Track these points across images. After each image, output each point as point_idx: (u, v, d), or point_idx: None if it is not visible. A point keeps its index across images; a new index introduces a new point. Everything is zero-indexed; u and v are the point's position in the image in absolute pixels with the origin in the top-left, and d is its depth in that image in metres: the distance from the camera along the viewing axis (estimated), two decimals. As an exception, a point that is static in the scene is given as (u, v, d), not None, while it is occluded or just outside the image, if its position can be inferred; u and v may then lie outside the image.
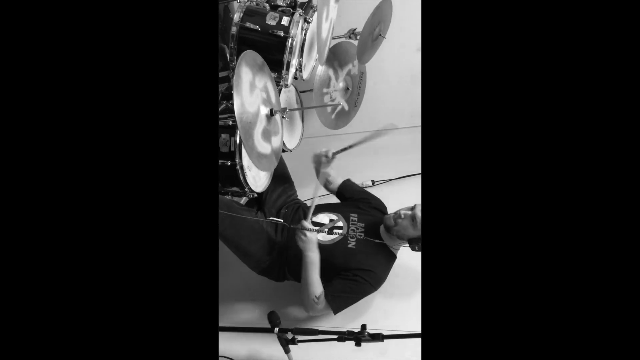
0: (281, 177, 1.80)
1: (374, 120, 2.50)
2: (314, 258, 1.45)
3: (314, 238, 1.45)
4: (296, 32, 1.41)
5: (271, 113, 1.15)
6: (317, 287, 1.45)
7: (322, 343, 1.39)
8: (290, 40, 1.38)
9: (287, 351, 1.35)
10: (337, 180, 1.81)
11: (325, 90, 2.05)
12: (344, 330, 1.35)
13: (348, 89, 2.14)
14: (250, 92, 1.08)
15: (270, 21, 1.37)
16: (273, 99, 1.20)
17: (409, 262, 1.67)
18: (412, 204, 1.52)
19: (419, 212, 1.47)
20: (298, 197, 1.86)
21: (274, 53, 1.39)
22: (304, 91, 2.11)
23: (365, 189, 1.97)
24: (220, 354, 1.45)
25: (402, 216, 1.50)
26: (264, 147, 1.15)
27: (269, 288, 1.74)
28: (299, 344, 1.31)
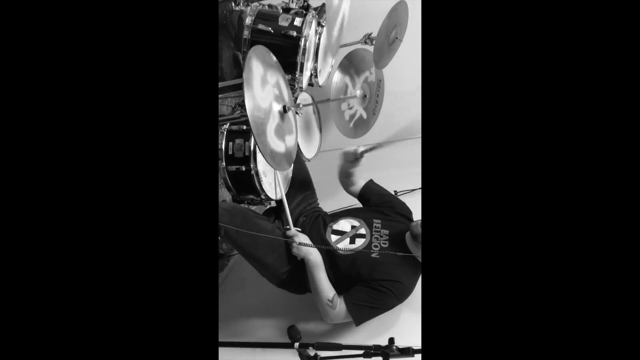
0: (302, 184, 1.74)
1: (393, 129, 2.46)
2: (315, 260, 1.38)
3: (306, 240, 1.41)
4: (309, 32, 1.38)
5: (284, 110, 1.10)
6: (327, 290, 1.37)
7: (347, 359, 1.31)
8: (303, 40, 1.35)
9: None
10: (359, 182, 1.72)
11: (342, 96, 2.01)
12: (370, 345, 1.25)
13: (366, 96, 2.09)
14: (262, 87, 1.04)
15: (283, 22, 1.35)
16: (286, 97, 1.16)
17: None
18: None
19: None
20: (319, 206, 1.79)
21: (287, 54, 1.36)
22: (321, 101, 2.07)
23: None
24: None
25: None
26: (277, 145, 1.09)
27: (290, 302, 1.67)
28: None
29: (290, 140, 1.18)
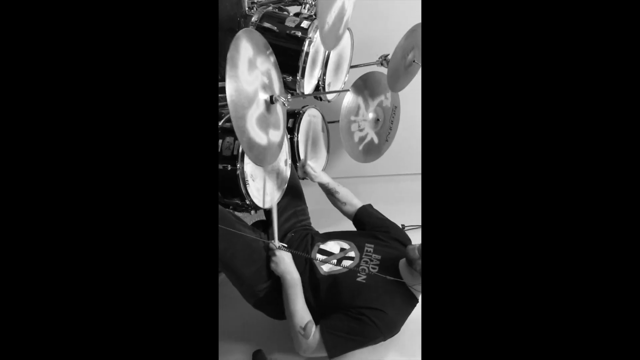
0: (293, 199, 1.63)
1: (403, 161, 2.34)
2: (292, 281, 1.25)
3: (287, 258, 1.29)
4: (315, 36, 1.34)
5: (271, 100, 1.03)
6: (301, 315, 1.22)
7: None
8: (307, 42, 1.30)
9: None
10: (355, 203, 1.60)
11: (353, 118, 1.93)
12: None
13: (378, 120, 2.01)
14: (249, 70, 0.98)
15: (289, 23, 1.32)
16: (276, 89, 1.09)
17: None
18: None
19: None
20: (310, 225, 1.67)
21: (289, 55, 1.31)
22: (332, 122, 2.01)
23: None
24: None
25: None
26: (258, 135, 1.01)
27: (269, 327, 1.52)
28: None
29: (274, 136, 1.09)
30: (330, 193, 1.63)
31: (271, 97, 1.03)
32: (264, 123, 1.04)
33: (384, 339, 1.28)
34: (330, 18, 1.03)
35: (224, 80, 0.87)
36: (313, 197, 1.78)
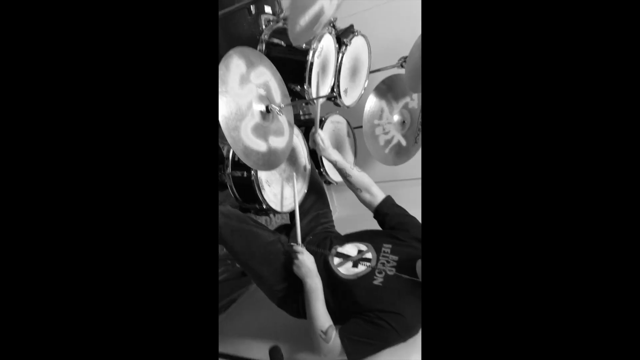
0: (315, 203, 1.68)
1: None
2: (313, 285, 1.27)
3: (309, 263, 1.30)
4: (319, 45, 1.40)
5: (267, 110, 1.11)
6: (323, 320, 1.24)
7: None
8: (311, 52, 1.36)
9: None
10: (374, 192, 1.53)
11: (376, 122, 1.95)
12: None
13: (404, 122, 2.00)
14: (241, 85, 1.06)
15: (295, 36, 1.39)
16: (276, 99, 1.16)
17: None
18: None
19: None
20: (332, 228, 1.70)
21: (295, 66, 1.39)
22: (357, 127, 2.03)
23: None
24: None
25: None
26: (255, 144, 1.09)
27: (298, 329, 1.58)
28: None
29: (277, 142, 1.16)
30: (343, 176, 1.56)
31: (267, 106, 1.11)
32: (262, 131, 1.11)
33: (404, 341, 1.27)
34: (305, 20, 1.08)
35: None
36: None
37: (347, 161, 1.57)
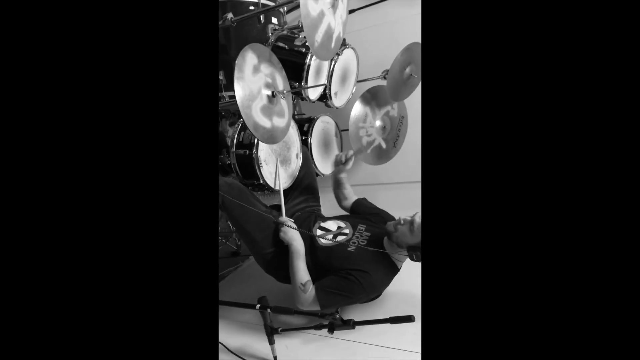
0: (307, 189, 1.95)
1: (411, 170, 2.57)
2: (297, 247, 1.52)
3: (292, 230, 1.56)
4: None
5: (272, 94, 1.38)
6: (302, 274, 1.49)
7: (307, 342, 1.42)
8: (309, 56, 1.65)
9: (271, 342, 1.37)
10: (352, 197, 1.89)
11: (361, 124, 2.24)
12: (317, 311, 1.36)
13: (385, 127, 2.30)
14: (253, 73, 1.34)
15: (297, 42, 1.69)
16: (279, 87, 1.44)
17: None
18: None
19: (418, 219, 1.47)
20: (318, 210, 1.96)
21: (295, 67, 1.67)
22: (344, 130, 2.32)
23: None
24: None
25: (402, 222, 1.50)
26: (262, 120, 1.36)
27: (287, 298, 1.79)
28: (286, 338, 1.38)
29: (279, 122, 1.44)
30: (338, 186, 1.92)
31: (272, 92, 1.38)
32: (268, 112, 1.38)
33: (367, 297, 1.53)
34: (319, 37, 1.38)
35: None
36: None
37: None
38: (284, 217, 1.63)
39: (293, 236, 1.55)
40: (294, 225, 1.59)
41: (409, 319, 1.10)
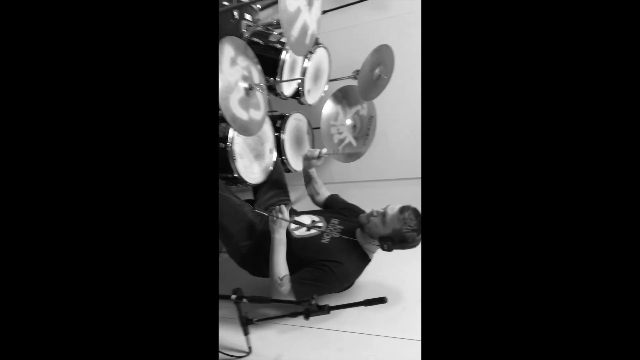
0: (276, 183, 1.98)
1: (383, 169, 2.66)
2: (280, 239, 1.54)
3: (284, 223, 1.56)
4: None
5: (249, 87, 1.40)
6: (281, 268, 1.51)
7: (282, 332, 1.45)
8: (284, 52, 1.69)
9: (246, 332, 1.38)
10: (323, 193, 1.93)
11: (332, 122, 2.30)
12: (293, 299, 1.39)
13: (355, 126, 2.36)
14: (231, 65, 1.36)
15: (272, 38, 1.72)
16: (255, 80, 1.47)
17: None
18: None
19: (390, 211, 1.53)
20: (289, 202, 1.99)
21: (271, 63, 1.71)
22: (316, 128, 2.37)
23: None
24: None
25: (375, 214, 1.56)
26: (240, 113, 1.38)
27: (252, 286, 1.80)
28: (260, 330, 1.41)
29: (255, 114, 1.46)
30: (309, 181, 1.94)
31: (250, 85, 1.40)
32: (245, 104, 1.40)
33: (340, 287, 1.57)
34: (295, 32, 1.42)
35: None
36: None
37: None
38: (282, 208, 1.59)
39: (279, 228, 1.55)
40: (287, 216, 1.59)
41: (381, 300, 1.15)
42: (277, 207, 1.58)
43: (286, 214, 1.56)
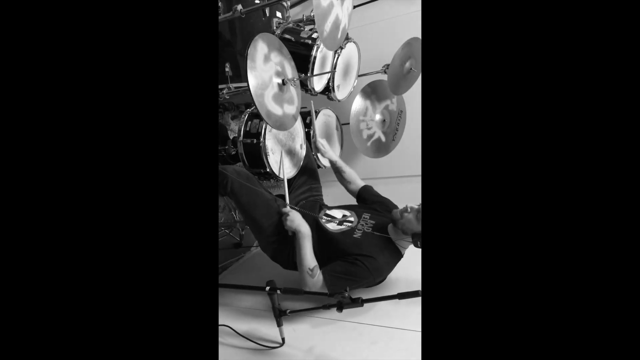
0: (310, 178, 1.99)
1: (409, 164, 2.64)
2: (305, 231, 1.55)
3: (298, 217, 1.58)
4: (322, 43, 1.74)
5: (283, 82, 1.42)
6: (310, 259, 1.53)
7: (315, 325, 1.46)
8: (315, 48, 1.70)
9: (279, 324, 1.41)
10: (358, 183, 1.93)
11: (361, 118, 2.30)
12: (326, 292, 1.40)
13: (384, 120, 2.36)
14: (264, 62, 1.38)
15: (303, 35, 1.73)
16: (288, 74, 1.49)
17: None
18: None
19: None
20: (321, 199, 2.00)
21: (302, 58, 1.72)
22: (345, 123, 2.37)
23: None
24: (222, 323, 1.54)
25: (409, 210, 1.56)
26: (274, 108, 1.40)
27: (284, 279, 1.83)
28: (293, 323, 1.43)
29: (289, 109, 1.48)
30: (337, 171, 1.97)
31: (283, 80, 1.42)
32: (279, 99, 1.43)
33: (373, 281, 1.58)
34: (327, 26, 1.42)
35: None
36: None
37: (334, 152, 2.00)
38: (287, 208, 1.64)
39: (300, 223, 1.58)
40: (298, 209, 1.62)
41: (416, 293, 1.15)
42: (284, 210, 1.60)
43: (294, 215, 1.59)
